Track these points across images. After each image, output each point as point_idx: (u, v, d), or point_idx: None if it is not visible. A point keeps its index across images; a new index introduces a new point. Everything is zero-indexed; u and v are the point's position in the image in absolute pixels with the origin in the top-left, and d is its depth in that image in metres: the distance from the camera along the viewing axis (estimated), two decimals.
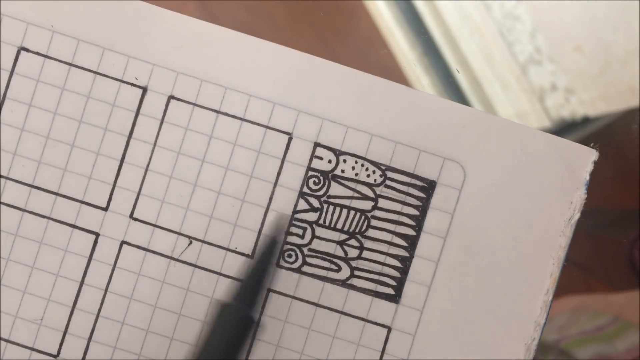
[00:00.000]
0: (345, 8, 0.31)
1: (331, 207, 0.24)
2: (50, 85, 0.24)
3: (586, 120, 0.32)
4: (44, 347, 0.24)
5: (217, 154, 0.24)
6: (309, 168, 0.24)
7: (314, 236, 0.24)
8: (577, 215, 0.24)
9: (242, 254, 0.24)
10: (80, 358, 0.24)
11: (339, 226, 0.24)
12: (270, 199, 0.24)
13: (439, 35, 0.32)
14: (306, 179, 0.24)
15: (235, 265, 0.24)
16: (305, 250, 0.24)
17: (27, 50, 0.24)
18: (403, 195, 0.24)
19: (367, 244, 0.24)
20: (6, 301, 0.24)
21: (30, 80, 0.24)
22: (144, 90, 0.24)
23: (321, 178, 0.24)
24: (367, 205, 0.24)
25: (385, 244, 0.24)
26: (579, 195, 0.24)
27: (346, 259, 0.24)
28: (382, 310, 0.24)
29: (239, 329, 0.20)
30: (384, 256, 0.24)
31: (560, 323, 0.30)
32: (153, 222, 0.24)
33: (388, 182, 0.24)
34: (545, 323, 0.24)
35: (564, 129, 0.32)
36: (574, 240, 0.24)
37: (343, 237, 0.24)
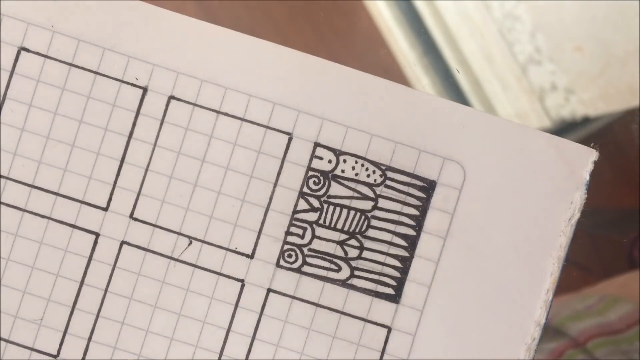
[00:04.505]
0: (345, 8, 0.31)
1: (331, 207, 0.24)
2: (51, 85, 0.24)
3: (586, 120, 0.32)
4: (44, 347, 0.24)
5: (217, 154, 0.24)
6: (309, 168, 0.24)
7: (314, 236, 0.24)
8: (577, 215, 0.24)
9: (242, 254, 0.24)
10: (80, 358, 0.24)
11: (339, 226, 0.24)
12: (270, 199, 0.24)
13: (439, 35, 0.32)
14: (306, 179, 0.24)
15: (235, 265, 0.24)
16: (305, 250, 0.24)
17: (27, 50, 0.24)
18: (403, 195, 0.24)
19: (367, 244, 0.24)
20: (6, 301, 0.24)
21: (30, 80, 0.24)
22: (144, 90, 0.24)
23: (321, 178, 0.24)
24: (367, 205, 0.24)
25: (385, 244, 0.24)
26: (579, 195, 0.24)
27: (346, 259, 0.24)
28: (382, 310, 0.24)
29: None
30: (384, 256, 0.24)
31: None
32: (153, 222, 0.24)
33: (388, 182, 0.24)
34: (545, 323, 0.24)
35: (564, 129, 0.32)
36: (574, 240, 0.24)
37: (343, 237, 0.24)
